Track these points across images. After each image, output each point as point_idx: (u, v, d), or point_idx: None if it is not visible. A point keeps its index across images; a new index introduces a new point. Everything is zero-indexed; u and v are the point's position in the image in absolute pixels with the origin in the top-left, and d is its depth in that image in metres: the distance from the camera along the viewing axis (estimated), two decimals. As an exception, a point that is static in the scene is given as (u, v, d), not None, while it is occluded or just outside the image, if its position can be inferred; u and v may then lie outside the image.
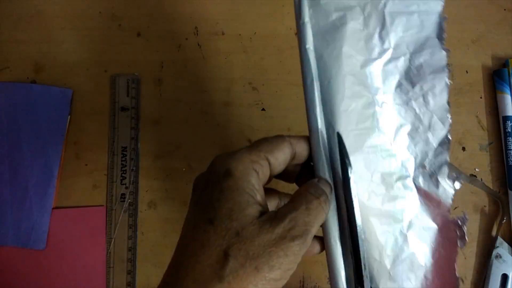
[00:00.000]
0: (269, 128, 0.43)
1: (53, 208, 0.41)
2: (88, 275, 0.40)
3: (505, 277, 0.39)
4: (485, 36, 0.45)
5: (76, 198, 0.41)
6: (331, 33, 0.28)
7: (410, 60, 0.30)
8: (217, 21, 0.44)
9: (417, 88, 0.30)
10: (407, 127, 0.29)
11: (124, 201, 0.41)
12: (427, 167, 0.30)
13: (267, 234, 0.23)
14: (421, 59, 0.30)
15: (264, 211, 0.25)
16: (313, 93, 0.27)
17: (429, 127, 0.29)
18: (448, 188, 0.29)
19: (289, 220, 0.24)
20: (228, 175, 0.25)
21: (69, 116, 0.42)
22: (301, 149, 0.28)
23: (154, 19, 0.44)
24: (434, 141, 0.29)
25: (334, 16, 0.29)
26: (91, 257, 0.40)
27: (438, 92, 0.29)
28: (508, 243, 0.40)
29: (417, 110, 0.30)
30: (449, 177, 0.29)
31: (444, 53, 0.29)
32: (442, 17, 0.29)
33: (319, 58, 0.28)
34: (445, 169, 0.29)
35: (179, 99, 0.43)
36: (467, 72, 0.44)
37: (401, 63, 0.30)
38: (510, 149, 0.42)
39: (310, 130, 0.27)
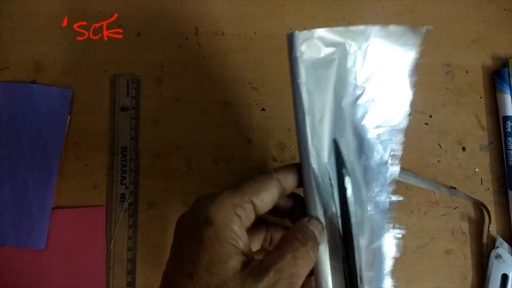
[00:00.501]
0: (269, 128, 0.43)
1: (53, 208, 0.41)
2: (88, 275, 0.40)
3: (505, 277, 0.39)
4: (485, 36, 0.45)
5: (76, 198, 0.41)
6: (322, 68, 0.29)
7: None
8: (217, 21, 0.44)
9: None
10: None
11: (124, 201, 0.41)
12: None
13: None
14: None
15: (247, 261, 0.23)
16: (305, 129, 0.27)
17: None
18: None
19: (274, 273, 0.22)
20: (208, 223, 0.23)
21: (69, 116, 0.42)
22: (290, 182, 0.27)
23: (154, 19, 0.44)
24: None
25: (326, 51, 0.29)
26: (91, 257, 0.40)
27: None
28: (508, 243, 0.40)
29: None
30: None
31: (410, 93, 0.31)
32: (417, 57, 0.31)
33: (311, 92, 0.28)
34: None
35: (179, 99, 0.43)
36: (467, 72, 0.44)
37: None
38: (510, 149, 0.42)
39: (302, 165, 0.27)
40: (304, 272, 0.24)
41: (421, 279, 0.40)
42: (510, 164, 0.42)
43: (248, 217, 0.25)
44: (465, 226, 0.41)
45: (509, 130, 0.42)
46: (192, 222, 0.24)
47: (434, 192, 0.42)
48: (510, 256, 0.40)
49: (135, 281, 0.40)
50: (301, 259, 0.24)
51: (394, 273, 0.39)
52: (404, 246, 0.41)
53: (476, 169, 0.42)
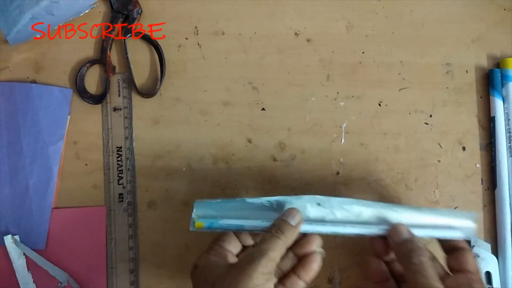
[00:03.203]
0: (269, 128, 0.43)
1: (53, 208, 0.41)
2: (88, 275, 0.40)
3: (489, 275, 0.39)
4: (485, 36, 0.45)
5: (76, 198, 0.41)
6: None
7: None
8: (217, 20, 0.44)
9: None
10: None
11: (122, 200, 0.41)
12: None
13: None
14: None
15: None
16: None
17: None
18: None
19: (247, 254, 0.33)
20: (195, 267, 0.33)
21: (69, 116, 0.42)
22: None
23: (154, 19, 0.44)
24: None
25: None
26: (91, 257, 0.40)
27: None
28: (486, 240, 0.40)
29: None
30: None
31: None
32: None
33: None
34: None
35: (179, 99, 0.43)
36: (467, 72, 0.44)
37: None
38: (494, 150, 0.42)
39: None
40: (275, 247, 0.31)
41: (421, 279, 0.40)
42: (493, 165, 0.42)
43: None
44: (465, 225, 0.41)
45: (492, 131, 0.42)
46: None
47: (434, 191, 0.42)
48: (488, 253, 0.40)
49: (138, 280, 0.40)
50: (269, 240, 0.31)
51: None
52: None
53: (476, 169, 0.42)
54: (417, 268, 0.31)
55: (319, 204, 0.34)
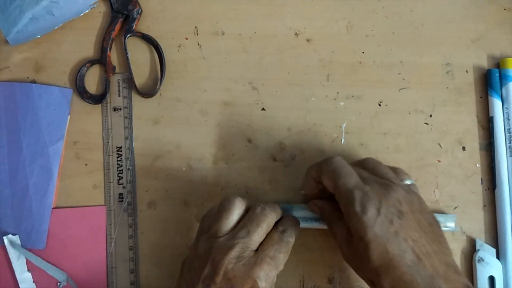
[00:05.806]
0: (269, 128, 0.43)
1: (53, 208, 0.41)
2: (88, 275, 0.40)
3: (492, 279, 0.39)
4: (485, 36, 0.45)
5: (76, 198, 0.41)
6: None
7: None
8: (217, 20, 0.44)
9: None
10: None
11: (122, 200, 0.41)
12: None
13: None
14: None
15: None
16: None
17: None
18: None
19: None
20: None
21: (69, 116, 0.42)
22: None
23: (154, 19, 0.44)
24: None
25: None
26: (91, 257, 0.40)
27: None
28: (490, 244, 0.40)
29: None
30: None
31: None
32: None
33: None
34: None
35: (179, 99, 0.43)
36: (467, 72, 0.44)
37: None
38: (493, 150, 0.42)
39: None
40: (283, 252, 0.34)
41: (421, 279, 0.40)
42: (493, 165, 0.42)
43: None
44: (465, 226, 0.41)
45: (491, 131, 0.42)
46: None
47: (434, 191, 0.42)
48: (493, 257, 0.40)
49: (139, 280, 0.40)
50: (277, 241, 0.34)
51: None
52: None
53: (476, 169, 0.42)
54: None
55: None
